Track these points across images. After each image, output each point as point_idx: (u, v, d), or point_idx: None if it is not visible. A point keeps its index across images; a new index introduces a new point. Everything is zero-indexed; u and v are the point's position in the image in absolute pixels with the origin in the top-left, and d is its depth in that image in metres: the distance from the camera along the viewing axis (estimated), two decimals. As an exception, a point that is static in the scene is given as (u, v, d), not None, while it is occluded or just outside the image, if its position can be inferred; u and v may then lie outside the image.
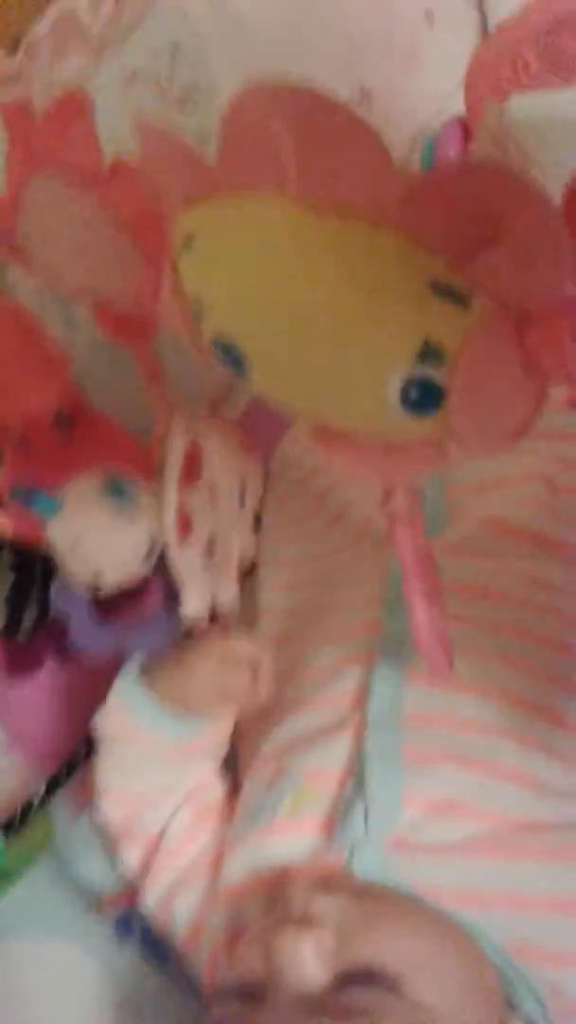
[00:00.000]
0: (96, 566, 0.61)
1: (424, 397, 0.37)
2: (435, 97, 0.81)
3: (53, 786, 0.80)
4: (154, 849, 0.68)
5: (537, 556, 0.68)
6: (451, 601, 0.59)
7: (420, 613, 0.52)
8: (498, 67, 0.71)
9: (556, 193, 0.34)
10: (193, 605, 0.66)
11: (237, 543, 0.69)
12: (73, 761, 0.81)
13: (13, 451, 0.58)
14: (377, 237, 0.32)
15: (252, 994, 0.52)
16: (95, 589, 0.63)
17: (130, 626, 0.66)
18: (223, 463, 0.62)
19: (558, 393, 0.39)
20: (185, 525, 0.63)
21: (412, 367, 0.36)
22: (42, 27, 0.79)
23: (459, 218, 0.32)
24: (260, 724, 0.69)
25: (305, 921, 0.52)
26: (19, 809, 0.79)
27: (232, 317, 0.38)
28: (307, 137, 0.31)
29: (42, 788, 0.80)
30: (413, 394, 0.37)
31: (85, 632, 0.67)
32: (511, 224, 0.31)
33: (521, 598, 0.65)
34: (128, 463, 0.62)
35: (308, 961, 0.51)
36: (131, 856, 0.69)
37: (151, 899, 0.68)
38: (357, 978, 0.50)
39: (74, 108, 0.48)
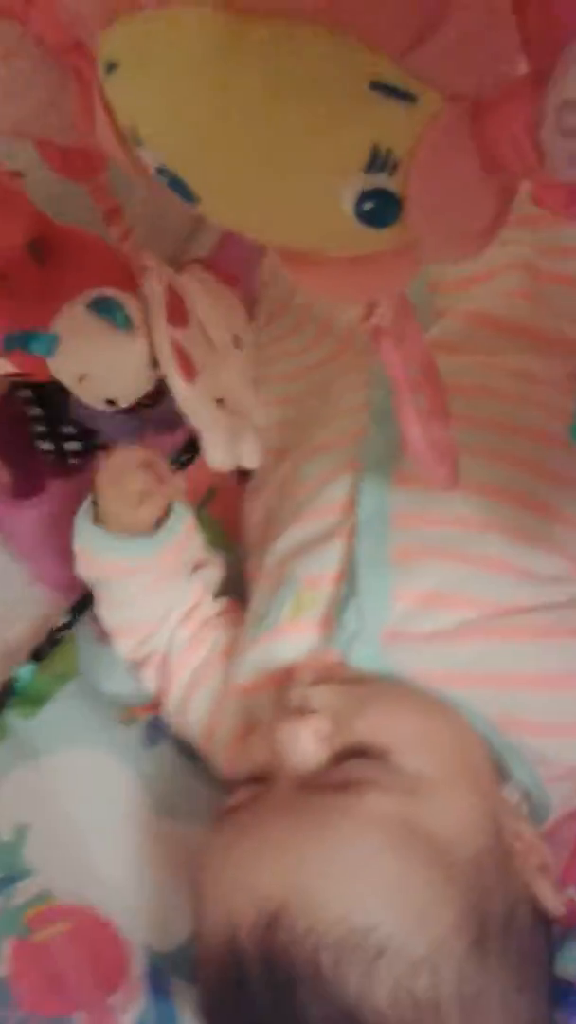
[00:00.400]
0: (108, 393, 0.60)
1: (380, 208, 0.34)
2: None
3: (76, 612, 0.83)
4: (164, 666, 0.73)
5: (521, 348, 0.67)
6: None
7: (412, 427, 0.51)
8: None
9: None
10: (215, 456, 0.65)
11: (249, 394, 0.68)
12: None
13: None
14: (307, 38, 0.30)
15: (261, 779, 0.57)
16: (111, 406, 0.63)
17: (148, 414, 0.67)
18: (209, 311, 0.60)
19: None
20: (188, 367, 0.61)
21: (363, 178, 0.33)
22: None
23: (395, 4, 0.29)
24: (263, 542, 0.71)
25: (302, 710, 0.56)
26: (46, 637, 0.82)
27: (166, 145, 0.35)
28: None
29: (66, 617, 0.83)
30: (368, 206, 0.34)
31: (113, 428, 0.69)
32: (452, 3, 0.29)
33: (506, 392, 0.66)
34: (111, 276, 0.60)
35: (306, 745, 0.54)
36: (149, 679, 0.74)
37: (171, 709, 0.73)
38: (350, 754, 0.54)
39: None
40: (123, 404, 0.58)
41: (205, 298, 0.57)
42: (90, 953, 0.65)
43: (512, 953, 0.51)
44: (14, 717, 0.77)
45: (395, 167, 0.33)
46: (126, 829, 0.70)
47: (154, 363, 0.57)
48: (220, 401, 0.62)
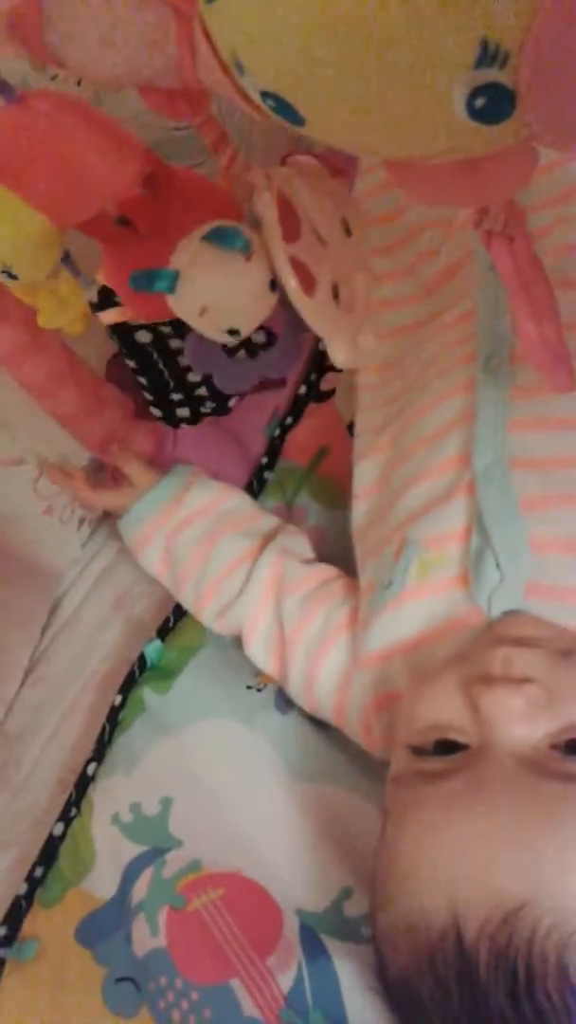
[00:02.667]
0: (229, 323, 0.59)
1: (493, 103, 0.34)
2: None
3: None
4: (276, 642, 0.73)
5: None
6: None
7: (529, 329, 0.49)
8: None
9: None
10: (340, 356, 0.64)
11: (360, 279, 0.66)
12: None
13: (119, 237, 0.56)
14: None
15: (456, 749, 0.53)
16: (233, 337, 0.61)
17: (263, 357, 0.67)
18: (316, 203, 0.58)
19: None
20: (307, 280, 0.59)
21: (474, 75, 0.33)
22: None
23: None
24: (379, 507, 0.71)
25: (512, 677, 0.52)
26: (171, 612, 0.84)
27: (270, 66, 0.35)
28: None
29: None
30: (481, 103, 0.33)
31: (229, 378, 0.69)
32: None
33: None
34: (220, 210, 0.59)
35: (521, 715, 0.51)
36: (258, 651, 0.75)
37: (295, 689, 0.73)
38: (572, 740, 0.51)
39: None
40: (245, 333, 0.58)
41: (310, 192, 0.55)
42: (243, 918, 0.66)
43: None
44: (149, 693, 0.78)
45: (505, 60, 0.32)
46: (266, 794, 0.71)
47: (272, 285, 0.56)
48: (335, 288, 0.60)
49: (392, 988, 0.54)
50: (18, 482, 0.86)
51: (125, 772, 0.75)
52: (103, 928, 0.70)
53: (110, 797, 0.75)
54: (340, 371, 0.88)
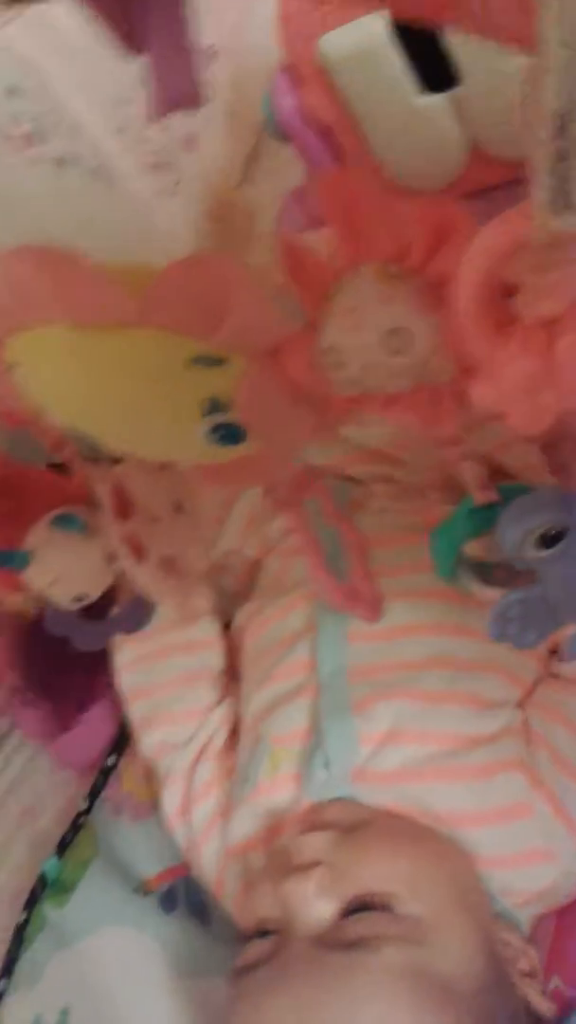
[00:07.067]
0: (76, 592, 0.70)
1: (229, 434, 0.46)
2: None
3: (93, 796, 0.89)
4: (188, 790, 0.77)
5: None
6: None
7: (320, 578, 0.60)
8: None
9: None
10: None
11: (193, 551, 0.78)
12: (105, 769, 0.90)
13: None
14: (137, 339, 0.41)
15: (271, 931, 0.60)
16: (81, 604, 0.72)
17: (118, 617, 0.76)
18: (147, 489, 0.70)
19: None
20: (138, 550, 0.70)
21: (208, 420, 0.45)
22: None
23: (194, 305, 0.40)
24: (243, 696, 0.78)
25: (303, 865, 0.59)
26: (69, 825, 0.89)
27: (64, 419, 0.48)
28: (60, 281, 0.40)
29: (85, 802, 0.89)
30: (220, 435, 0.46)
31: (85, 639, 0.77)
32: (232, 301, 0.40)
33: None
34: (67, 497, 0.72)
35: (312, 899, 0.58)
36: (173, 798, 0.78)
37: (186, 842, 0.77)
38: (356, 905, 0.57)
39: None
40: (91, 597, 0.69)
41: (141, 479, 0.67)
42: None
43: None
44: (49, 908, 0.83)
45: (228, 406, 0.45)
46: (154, 995, 0.75)
47: (111, 558, 0.68)
48: (170, 559, 0.70)
49: None
50: None
51: (28, 987, 0.79)
52: None
53: (16, 1012, 0.78)
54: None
